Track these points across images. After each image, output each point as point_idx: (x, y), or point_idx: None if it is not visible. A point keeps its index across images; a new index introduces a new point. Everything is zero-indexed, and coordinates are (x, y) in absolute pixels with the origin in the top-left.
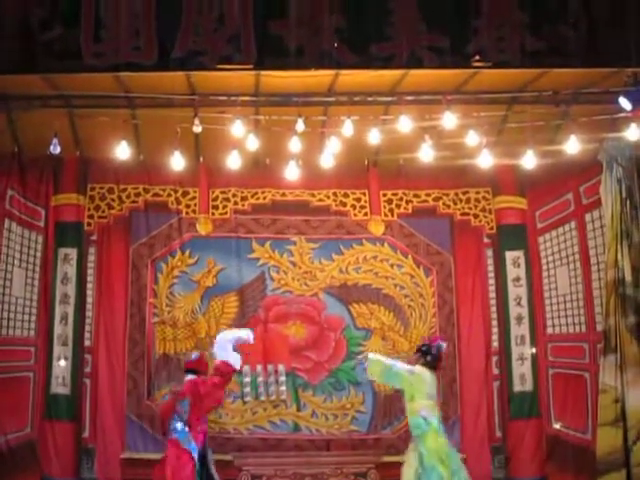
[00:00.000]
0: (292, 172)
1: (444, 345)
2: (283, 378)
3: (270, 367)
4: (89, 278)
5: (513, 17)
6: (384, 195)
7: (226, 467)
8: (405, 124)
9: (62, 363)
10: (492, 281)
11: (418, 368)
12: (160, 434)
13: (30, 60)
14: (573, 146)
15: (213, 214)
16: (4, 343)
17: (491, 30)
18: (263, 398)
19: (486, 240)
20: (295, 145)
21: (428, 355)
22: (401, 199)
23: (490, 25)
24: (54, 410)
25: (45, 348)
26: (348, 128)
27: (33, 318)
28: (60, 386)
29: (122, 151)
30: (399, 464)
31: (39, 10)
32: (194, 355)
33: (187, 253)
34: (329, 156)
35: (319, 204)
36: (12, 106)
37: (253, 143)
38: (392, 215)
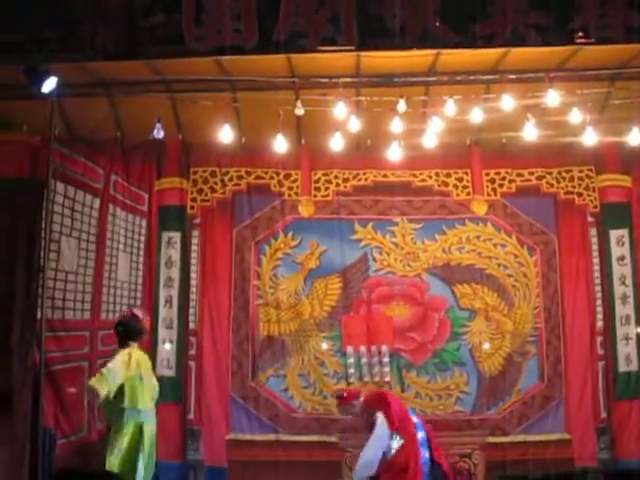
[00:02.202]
0: (394, 153)
1: (137, 312)
2: (387, 359)
3: (374, 348)
4: (193, 261)
5: None
6: (487, 174)
7: (331, 448)
8: (507, 102)
9: (167, 346)
10: (596, 260)
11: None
12: None
13: (133, 46)
14: None
15: (315, 196)
16: (110, 326)
17: (594, 7)
18: (367, 379)
19: (590, 219)
20: (397, 126)
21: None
22: (504, 178)
23: (594, 2)
24: (160, 392)
25: (150, 331)
26: (450, 108)
27: (138, 302)
28: (165, 369)
29: (224, 134)
30: (504, 445)
31: None
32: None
33: (290, 235)
34: (431, 136)
35: (421, 184)
36: (115, 92)
37: (355, 124)
38: (495, 195)
